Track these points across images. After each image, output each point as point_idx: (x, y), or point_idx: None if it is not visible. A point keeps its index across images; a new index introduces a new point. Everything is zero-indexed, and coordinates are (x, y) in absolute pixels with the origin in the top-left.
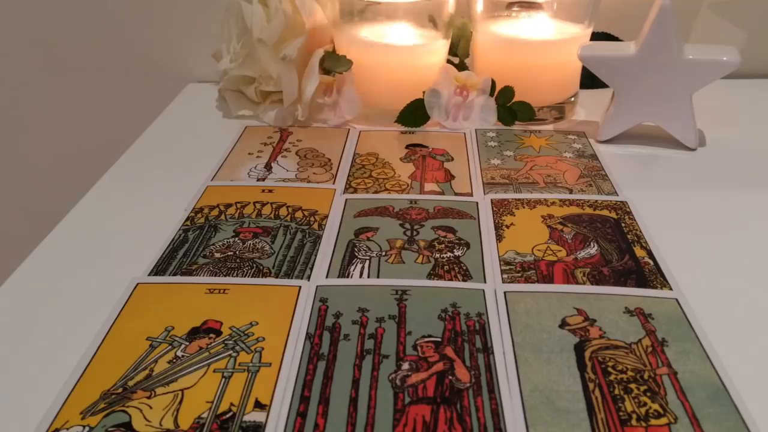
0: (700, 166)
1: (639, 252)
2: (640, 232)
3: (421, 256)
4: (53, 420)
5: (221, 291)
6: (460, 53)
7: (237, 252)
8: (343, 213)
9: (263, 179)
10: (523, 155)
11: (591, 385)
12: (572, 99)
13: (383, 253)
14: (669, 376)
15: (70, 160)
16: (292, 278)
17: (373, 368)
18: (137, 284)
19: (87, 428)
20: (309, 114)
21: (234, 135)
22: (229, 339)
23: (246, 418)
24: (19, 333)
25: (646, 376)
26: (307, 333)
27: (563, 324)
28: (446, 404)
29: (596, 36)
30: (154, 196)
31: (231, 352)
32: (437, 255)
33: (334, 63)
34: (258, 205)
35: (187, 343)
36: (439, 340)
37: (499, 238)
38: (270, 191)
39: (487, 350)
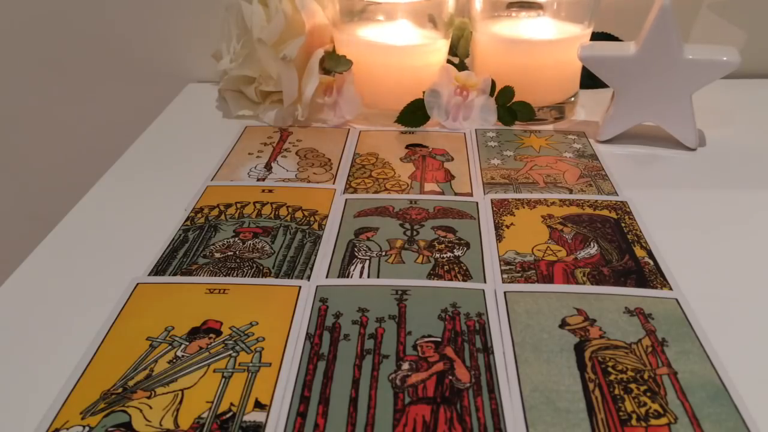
0: (700, 166)
1: (639, 252)
2: (640, 232)
3: (421, 256)
4: (53, 420)
5: (221, 291)
6: (460, 53)
7: (237, 252)
8: (343, 213)
9: (263, 179)
10: (523, 155)
11: (591, 385)
12: (572, 99)
13: (383, 253)
14: (669, 376)
15: (70, 159)
16: (292, 278)
17: (373, 368)
18: (137, 284)
19: (87, 428)
20: (309, 114)
21: (234, 135)
22: (229, 339)
23: (246, 418)
24: (20, 333)
25: (646, 376)
26: (307, 333)
27: (563, 324)
28: (446, 404)
29: (596, 36)
30: (154, 196)
31: (231, 352)
32: (437, 255)
33: (334, 63)
34: (258, 205)
35: (187, 343)
36: (439, 340)
37: (499, 238)
38: (270, 191)
39: (487, 350)
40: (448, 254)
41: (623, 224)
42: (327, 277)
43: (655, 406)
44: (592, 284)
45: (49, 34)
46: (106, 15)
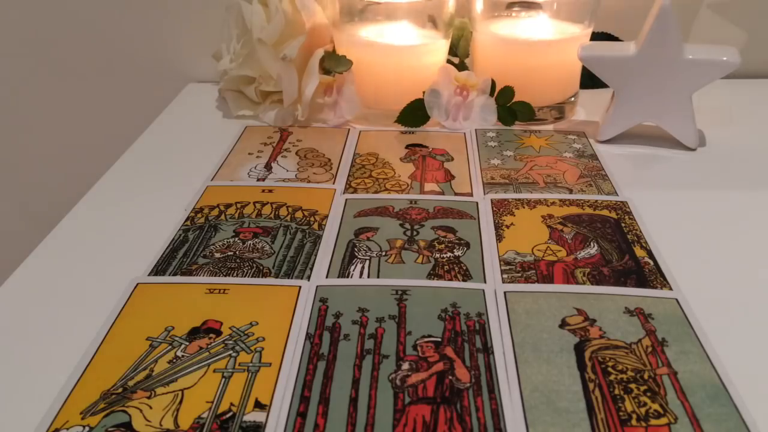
0: (700, 166)
1: (639, 252)
2: (640, 232)
3: (421, 256)
4: (53, 420)
5: (221, 291)
6: (460, 53)
7: (237, 252)
8: (343, 213)
9: (263, 179)
10: (523, 155)
11: (591, 385)
12: (572, 99)
13: (383, 253)
14: (669, 376)
15: (70, 160)
16: (292, 278)
17: (373, 368)
18: (137, 284)
19: (87, 428)
20: (309, 114)
21: (234, 135)
22: (229, 339)
23: (246, 418)
24: (19, 333)
25: (646, 376)
26: (307, 333)
27: (563, 324)
28: (446, 404)
29: (596, 36)
30: (154, 196)
31: (231, 352)
32: (437, 255)
33: (334, 63)
34: (258, 205)
35: (187, 343)
36: (439, 340)
37: (499, 238)
38: (270, 191)
39: (487, 350)
40: (448, 254)
41: (623, 224)
42: (327, 277)
43: (655, 406)
44: (592, 284)
45: (49, 34)
46: (106, 15)
